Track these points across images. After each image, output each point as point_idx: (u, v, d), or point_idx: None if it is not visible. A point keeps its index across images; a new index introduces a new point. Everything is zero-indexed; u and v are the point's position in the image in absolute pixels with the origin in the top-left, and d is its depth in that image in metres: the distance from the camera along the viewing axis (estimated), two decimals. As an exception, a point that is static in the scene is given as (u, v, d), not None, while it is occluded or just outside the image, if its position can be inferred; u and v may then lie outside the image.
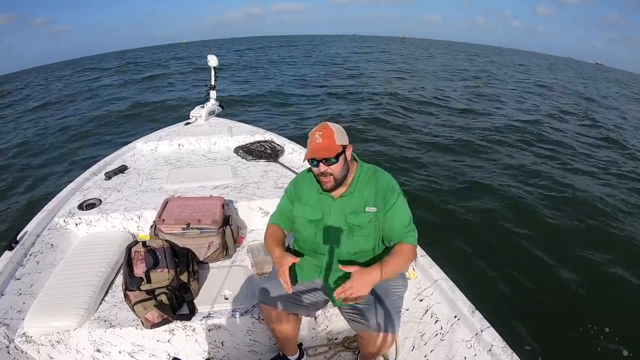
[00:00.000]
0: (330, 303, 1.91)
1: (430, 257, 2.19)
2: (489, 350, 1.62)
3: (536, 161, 7.67)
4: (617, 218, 5.46)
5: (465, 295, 1.89)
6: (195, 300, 2.06)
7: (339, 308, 1.80)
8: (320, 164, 1.54)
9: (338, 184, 1.59)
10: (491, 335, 1.65)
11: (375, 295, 1.69)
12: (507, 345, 1.60)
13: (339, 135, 1.57)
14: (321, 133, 1.54)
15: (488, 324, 1.71)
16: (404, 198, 1.67)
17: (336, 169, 1.55)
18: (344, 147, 1.58)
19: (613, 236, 4.93)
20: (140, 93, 15.01)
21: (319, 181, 1.62)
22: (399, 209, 1.63)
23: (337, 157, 1.54)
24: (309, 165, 1.64)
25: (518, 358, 1.54)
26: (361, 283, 1.48)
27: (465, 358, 1.70)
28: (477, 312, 1.77)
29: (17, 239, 2.24)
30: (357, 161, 1.71)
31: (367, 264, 1.68)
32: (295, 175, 1.89)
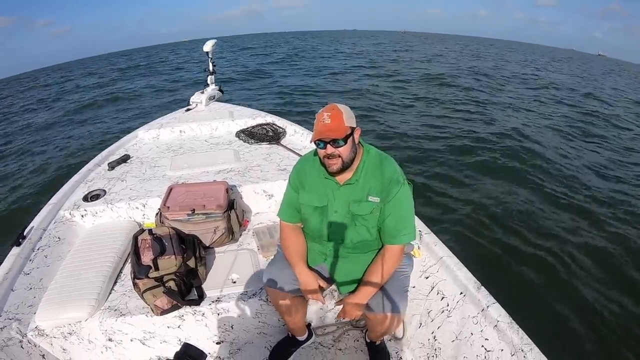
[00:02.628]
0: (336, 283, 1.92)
1: (435, 234, 2.18)
2: (495, 325, 1.63)
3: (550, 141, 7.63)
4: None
5: (471, 272, 1.89)
6: (203, 285, 2.09)
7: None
8: (328, 145, 1.47)
9: (345, 167, 1.52)
10: (497, 311, 1.66)
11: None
12: (512, 321, 1.61)
13: (348, 117, 1.49)
14: (329, 114, 1.46)
15: (494, 300, 1.71)
16: (408, 188, 1.61)
17: (344, 151, 1.48)
18: (353, 129, 1.50)
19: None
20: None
21: (324, 164, 1.56)
22: (399, 203, 1.57)
23: (345, 139, 1.47)
24: (312, 148, 1.61)
25: (524, 333, 1.55)
26: (353, 307, 1.61)
27: (471, 334, 1.71)
28: (483, 288, 1.77)
29: (24, 234, 2.26)
30: (362, 146, 1.64)
31: (369, 254, 1.69)
32: (297, 159, 1.85)
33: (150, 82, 16.78)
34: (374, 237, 1.64)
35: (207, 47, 4.46)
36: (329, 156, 1.49)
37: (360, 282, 1.65)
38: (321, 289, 1.78)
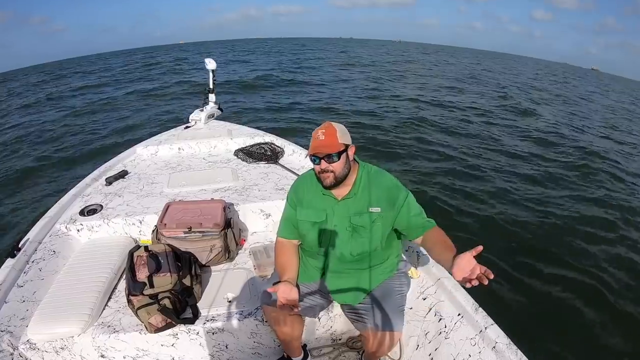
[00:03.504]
0: (333, 303, 1.91)
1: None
2: (494, 347, 1.62)
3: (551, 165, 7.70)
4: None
5: (469, 293, 1.88)
6: (198, 304, 2.06)
7: (342, 308, 1.80)
8: (322, 160, 1.54)
9: (338, 181, 1.58)
10: (495, 332, 1.65)
11: (377, 295, 1.70)
12: (511, 342, 1.60)
13: (342, 134, 1.57)
14: (324, 131, 1.55)
15: (492, 321, 1.71)
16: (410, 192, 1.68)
17: (337, 166, 1.55)
18: (347, 146, 1.57)
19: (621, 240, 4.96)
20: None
21: (319, 179, 1.61)
22: (412, 203, 1.65)
23: (338, 155, 1.54)
24: (310, 167, 1.64)
25: (522, 354, 1.54)
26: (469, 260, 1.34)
27: (469, 355, 1.70)
28: (481, 309, 1.77)
29: (19, 246, 2.25)
30: (358, 162, 1.71)
31: (369, 265, 1.70)
32: (295, 179, 1.89)
33: (144, 86, 16.84)
34: (373, 247, 1.66)
35: (211, 65, 4.50)
36: (323, 171, 1.56)
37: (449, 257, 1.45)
38: (315, 306, 1.79)
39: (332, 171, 1.55)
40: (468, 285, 1.33)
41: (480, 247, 1.32)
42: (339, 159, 1.54)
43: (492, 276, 1.28)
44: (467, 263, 1.32)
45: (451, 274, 1.36)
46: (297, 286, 1.69)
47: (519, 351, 1.56)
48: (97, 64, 33.90)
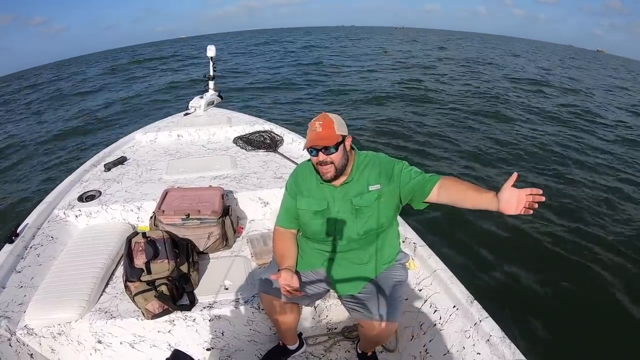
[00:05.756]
0: (330, 293, 1.92)
1: (429, 247, 2.19)
2: (487, 340, 1.63)
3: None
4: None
5: (464, 286, 1.89)
6: (195, 291, 2.07)
7: (340, 297, 1.81)
8: (320, 153, 1.54)
9: (338, 173, 1.59)
10: (490, 325, 1.66)
11: (376, 284, 1.70)
12: (505, 336, 1.61)
13: (339, 125, 1.57)
14: (321, 122, 1.55)
15: (487, 314, 1.71)
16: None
17: (336, 157, 1.55)
18: (344, 137, 1.58)
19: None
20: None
21: (318, 171, 1.62)
22: (411, 168, 1.64)
23: (336, 147, 1.54)
24: (309, 156, 1.64)
25: (516, 348, 1.55)
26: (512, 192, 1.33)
27: (463, 348, 1.71)
28: (476, 302, 1.78)
29: (18, 231, 2.25)
30: (355, 151, 1.71)
31: (377, 241, 1.71)
32: (294, 168, 1.88)
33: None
34: (379, 223, 1.66)
35: (211, 52, 4.47)
36: (321, 163, 1.56)
37: (472, 195, 1.47)
38: (312, 295, 1.79)
39: (331, 163, 1.55)
40: (525, 212, 1.30)
41: (516, 174, 1.31)
42: (336, 151, 1.54)
43: (540, 191, 1.28)
44: (511, 194, 1.31)
45: (502, 212, 1.33)
46: (297, 273, 1.70)
47: (512, 345, 1.57)
48: (98, 62, 33.51)
